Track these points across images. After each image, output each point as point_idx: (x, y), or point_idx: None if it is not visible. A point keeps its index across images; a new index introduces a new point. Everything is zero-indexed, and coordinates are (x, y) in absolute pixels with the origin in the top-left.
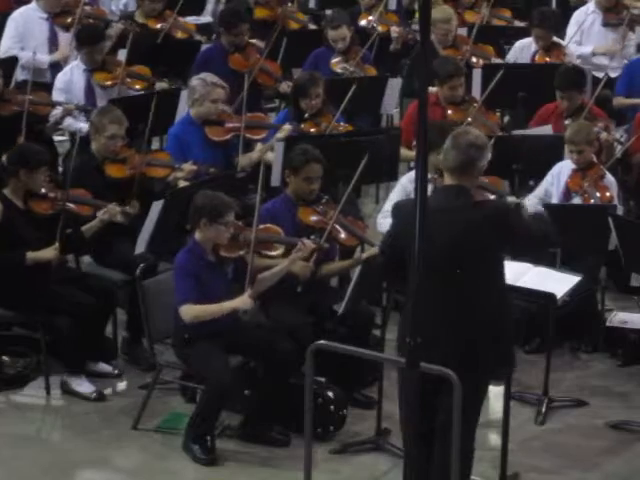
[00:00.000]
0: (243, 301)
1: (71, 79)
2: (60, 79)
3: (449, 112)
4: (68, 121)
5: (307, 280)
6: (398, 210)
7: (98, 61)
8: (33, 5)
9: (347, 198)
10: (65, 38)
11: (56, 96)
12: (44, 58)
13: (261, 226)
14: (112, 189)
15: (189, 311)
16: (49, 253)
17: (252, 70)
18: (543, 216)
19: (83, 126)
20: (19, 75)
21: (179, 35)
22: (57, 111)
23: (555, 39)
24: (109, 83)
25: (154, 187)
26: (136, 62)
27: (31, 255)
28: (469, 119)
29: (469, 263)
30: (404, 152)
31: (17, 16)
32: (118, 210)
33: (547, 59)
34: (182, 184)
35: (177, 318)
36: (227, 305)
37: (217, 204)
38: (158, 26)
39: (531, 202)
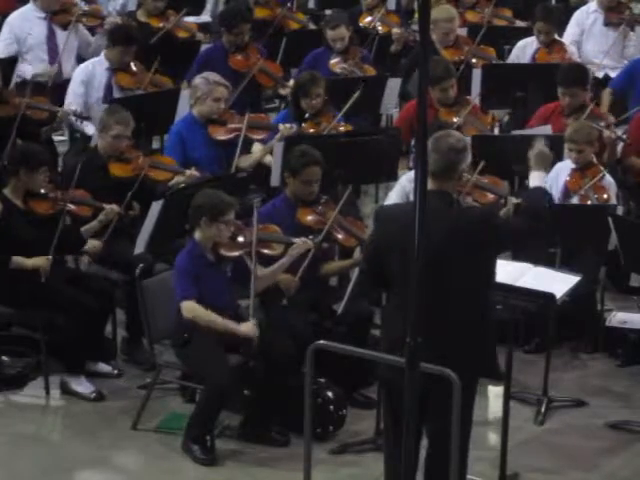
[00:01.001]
0: (249, 328)
1: (93, 73)
2: (81, 71)
3: (441, 113)
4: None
5: (292, 295)
6: (378, 215)
7: (126, 62)
8: (30, 5)
9: (346, 199)
10: (63, 37)
11: (76, 88)
12: (28, 69)
13: (260, 225)
14: (115, 188)
15: (191, 308)
16: (39, 261)
17: (250, 71)
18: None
19: (90, 128)
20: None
21: (181, 34)
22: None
23: (556, 37)
24: (131, 87)
25: (155, 189)
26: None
27: (17, 259)
28: (456, 119)
29: (453, 266)
30: None
31: (12, 19)
32: (118, 211)
33: (549, 57)
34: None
35: (177, 318)
36: (232, 326)
37: (217, 202)
38: (160, 25)
39: None
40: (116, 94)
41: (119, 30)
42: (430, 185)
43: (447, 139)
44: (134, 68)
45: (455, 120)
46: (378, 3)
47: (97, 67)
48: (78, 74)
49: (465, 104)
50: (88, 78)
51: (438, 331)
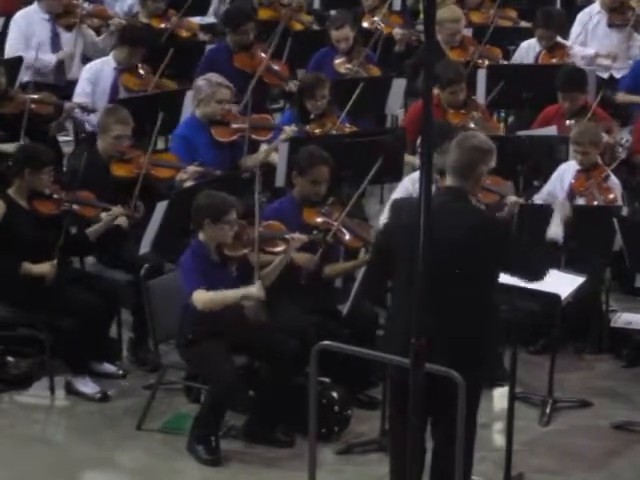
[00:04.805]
0: (255, 287)
1: (101, 72)
2: (89, 69)
3: (450, 114)
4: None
5: (311, 273)
6: (393, 206)
7: (133, 64)
8: (35, 6)
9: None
10: (68, 39)
11: (83, 85)
12: (47, 57)
13: (264, 223)
14: (118, 188)
15: (201, 296)
16: (45, 268)
17: (256, 71)
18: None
19: (92, 118)
20: (23, 76)
21: (184, 34)
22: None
23: (559, 39)
24: (136, 89)
25: (159, 188)
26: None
27: (26, 266)
28: (471, 125)
29: (461, 266)
30: (407, 157)
31: (19, 18)
32: (123, 213)
33: (551, 60)
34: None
35: (182, 318)
36: (240, 291)
37: (219, 203)
38: (162, 25)
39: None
40: (122, 95)
41: (128, 30)
42: (447, 181)
43: (472, 139)
44: (141, 71)
45: (471, 125)
46: (379, 4)
47: (105, 67)
48: (85, 72)
49: (474, 107)
50: (95, 77)
51: (442, 331)
